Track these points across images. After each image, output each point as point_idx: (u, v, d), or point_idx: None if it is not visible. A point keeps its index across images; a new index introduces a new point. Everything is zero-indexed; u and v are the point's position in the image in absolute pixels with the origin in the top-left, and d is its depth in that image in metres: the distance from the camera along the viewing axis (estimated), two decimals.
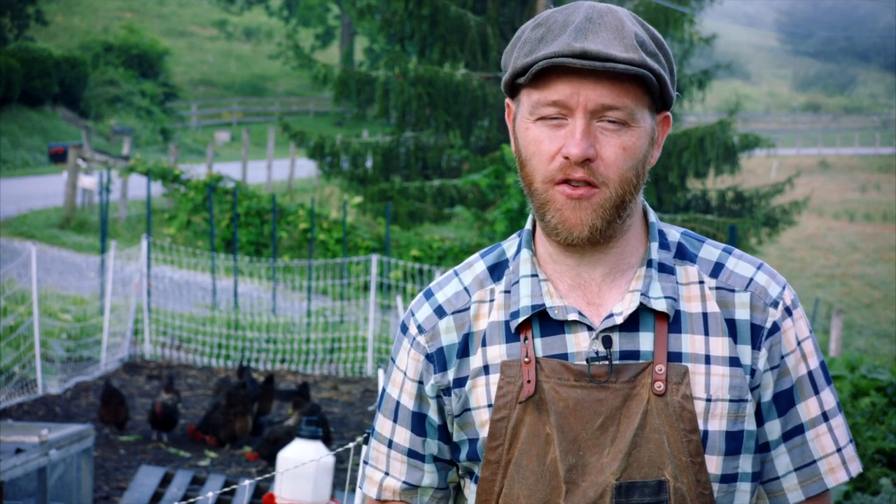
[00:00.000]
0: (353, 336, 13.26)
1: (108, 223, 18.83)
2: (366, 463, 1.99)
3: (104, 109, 40.47)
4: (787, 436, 1.88)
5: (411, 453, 1.93)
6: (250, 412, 9.23)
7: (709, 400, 1.83)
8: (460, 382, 1.89)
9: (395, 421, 1.95)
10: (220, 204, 19.62)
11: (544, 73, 1.80)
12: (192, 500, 4.16)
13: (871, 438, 8.22)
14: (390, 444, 1.95)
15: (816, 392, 1.89)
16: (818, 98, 79.14)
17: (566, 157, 1.79)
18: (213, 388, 10.29)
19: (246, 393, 9.25)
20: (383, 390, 1.98)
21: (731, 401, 1.83)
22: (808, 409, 1.88)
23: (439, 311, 1.93)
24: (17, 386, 10.14)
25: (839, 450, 1.89)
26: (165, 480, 8.11)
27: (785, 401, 1.87)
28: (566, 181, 1.80)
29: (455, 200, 21.77)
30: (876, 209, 39.99)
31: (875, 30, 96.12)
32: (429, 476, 1.94)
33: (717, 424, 1.83)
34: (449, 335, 1.91)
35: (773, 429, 1.87)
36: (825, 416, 1.89)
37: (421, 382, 1.92)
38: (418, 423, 1.93)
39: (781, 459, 1.88)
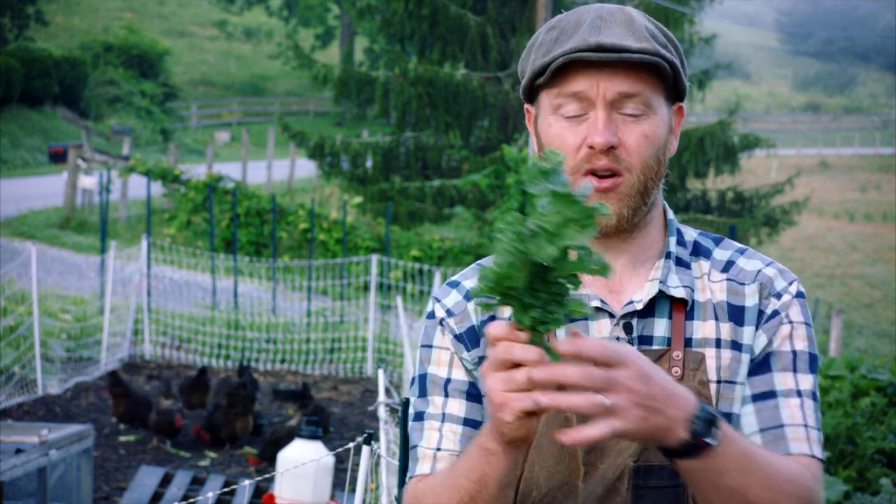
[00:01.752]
0: (353, 336, 13.26)
1: (108, 223, 18.83)
2: (414, 447, 1.95)
3: (104, 109, 40.47)
4: (756, 397, 1.87)
5: (467, 422, 1.92)
6: (251, 412, 9.23)
7: (719, 382, 1.87)
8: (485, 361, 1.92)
9: (446, 395, 1.94)
10: (220, 204, 19.62)
11: (563, 70, 1.87)
12: (192, 500, 4.16)
13: (871, 438, 8.22)
14: (443, 417, 1.93)
15: (795, 371, 1.88)
16: (818, 98, 79.16)
17: (591, 147, 1.85)
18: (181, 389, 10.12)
19: (246, 393, 9.25)
20: (423, 376, 1.97)
21: (738, 383, 1.87)
22: (783, 379, 1.87)
23: (468, 296, 1.97)
24: (17, 386, 10.14)
25: (806, 426, 1.85)
26: (165, 480, 8.11)
27: (761, 367, 1.88)
28: (592, 172, 1.87)
29: (455, 200, 21.77)
30: (876, 209, 39.99)
31: (875, 30, 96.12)
32: None
33: (726, 406, 1.86)
34: (477, 315, 1.96)
35: (744, 390, 1.88)
36: (799, 394, 1.87)
37: (462, 358, 1.95)
38: (475, 392, 1.93)
39: (748, 419, 1.86)
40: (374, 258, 13.56)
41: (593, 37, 1.85)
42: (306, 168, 32.01)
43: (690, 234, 1.99)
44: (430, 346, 1.97)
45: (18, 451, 5.65)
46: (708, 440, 1.65)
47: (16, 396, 9.98)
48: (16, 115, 35.40)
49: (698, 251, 1.96)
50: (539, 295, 1.60)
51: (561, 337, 1.87)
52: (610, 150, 1.84)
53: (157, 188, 20.31)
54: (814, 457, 1.83)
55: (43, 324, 11.13)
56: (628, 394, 1.58)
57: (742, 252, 1.96)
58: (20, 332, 10.60)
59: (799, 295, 1.92)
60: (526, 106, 1.98)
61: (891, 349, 21.04)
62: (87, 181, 22.76)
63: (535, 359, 1.60)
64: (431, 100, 22.06)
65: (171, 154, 26.76)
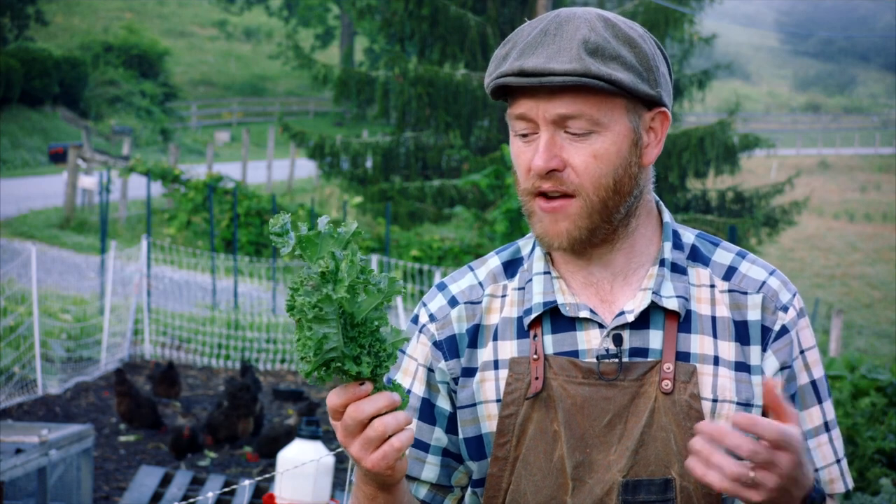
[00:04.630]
0: None
1: (108, 223, 18.83)
2: None
3: (104, 109, 40.47)
4: None
5: (415, 443, 1.91)
6: (253, 413, 9.22)
7: (715, 400, 1.82)
8: (469, 372, 1.90)
9: None
10: (220, 204, 19.62)
11: (510, 90, 1.83)
12: (192, 500, 4.16)
13: (871, 438, 8.22)
14: None
15: (819, 402, 1.88)
16: (818, 98, 79.18)
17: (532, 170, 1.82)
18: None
19: (250, 394, 9.24)
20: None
21: (738, 403, 1.82)
22: (811, 417, 1.87)
23: (452, 301, 1.94)
24: (17, 386, 10.14)
25: (838, 461, 1.88)
26: (165, 480, 8.10)
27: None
28: (542, 194, 1.83)
29: (455, 200, 21.77)
30: (876, 209, 40.00)
31: (875, 30, 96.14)
32: (430, 469, 1.92)
33: (723, 425, 1.82)
34: (460, 324, 1.92)
35: None
36: (826, 427, 1.88)
37: (431, 370, 1.92)
38: (427, 410, 1.92)
39: None
40: (374, 258, 13.56)
41: (519, 61, 1.78)
42: (306, 168, 32.02)
43: (689, 236, 1.93)
44: (403, 353, 1.95)
45: (18, 451, 5.65)
46: None
47: (16, 396, 9.98)
48: (16, 115, 35.41)
49: (696, 256, 1.91)
50: (359, 341, 1.61)
51: (548, 343, 1.86)
52: (553, 172, 1.79)
53: (157, 188, 20.32)
54: (846, 489, 1.89)
55: (43, 324, 11.12)
56: (778, 477, 1.60)
57: (743, 256, 1.91)
58: (20, 332, 10.60)
59: (802, 313, 1.88)
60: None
61: (891, 349, 21.05)
62: (87, 181, 22.78)
63: (389, 403, 1.64)
64: (431, 100, 22.06)
65: (171, 154, 26.77)
